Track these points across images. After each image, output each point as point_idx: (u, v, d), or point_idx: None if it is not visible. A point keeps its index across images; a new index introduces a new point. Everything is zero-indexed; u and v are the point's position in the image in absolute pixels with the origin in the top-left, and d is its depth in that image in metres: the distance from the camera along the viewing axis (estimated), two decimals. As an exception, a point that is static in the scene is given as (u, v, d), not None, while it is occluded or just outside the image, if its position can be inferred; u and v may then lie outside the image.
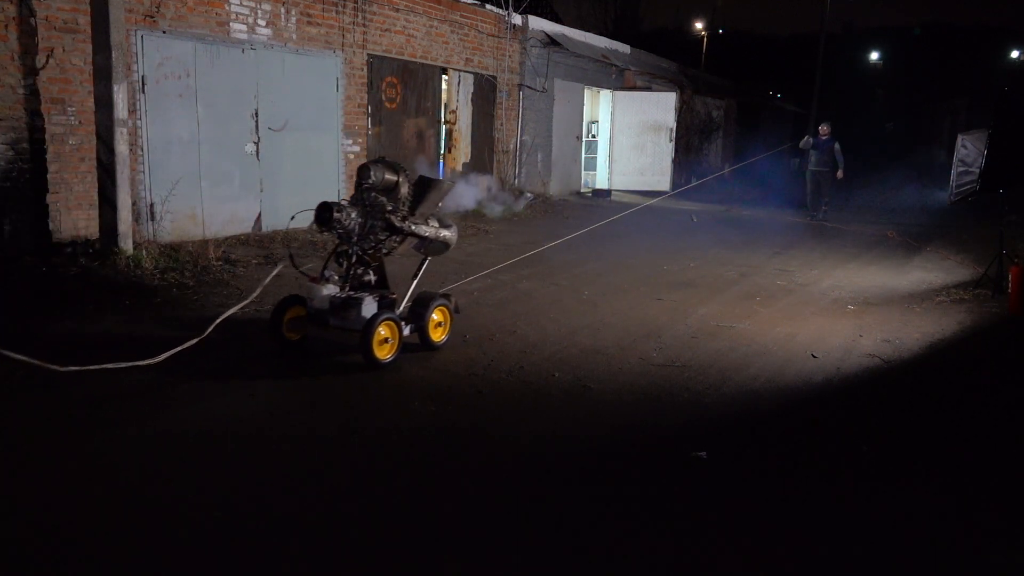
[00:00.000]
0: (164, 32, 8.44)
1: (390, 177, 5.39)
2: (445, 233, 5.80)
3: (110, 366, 4.89)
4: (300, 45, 10.13)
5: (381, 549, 3.19)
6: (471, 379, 5.26)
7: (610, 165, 18.57)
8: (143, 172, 8.45)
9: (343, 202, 5.38)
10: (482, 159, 14.26)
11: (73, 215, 7.85)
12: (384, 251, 5.54)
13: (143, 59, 8.27)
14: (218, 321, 5.55)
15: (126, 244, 7.76)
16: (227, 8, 9.11)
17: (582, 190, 18.08)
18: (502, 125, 14.65)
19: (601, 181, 18.65)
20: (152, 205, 8.53)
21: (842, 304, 8.07)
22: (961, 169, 19.23)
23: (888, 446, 4.49)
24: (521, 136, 15.27)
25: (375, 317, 5.17)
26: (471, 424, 4.53)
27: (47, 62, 7.45)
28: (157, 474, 3.73)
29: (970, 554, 3.37)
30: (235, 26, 9.22)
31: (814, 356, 6.13)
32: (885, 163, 30.55)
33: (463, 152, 13.77)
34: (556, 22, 18.06)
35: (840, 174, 15.18)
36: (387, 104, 11.79)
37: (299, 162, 10.29)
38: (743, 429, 4.67)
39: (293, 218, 5.95)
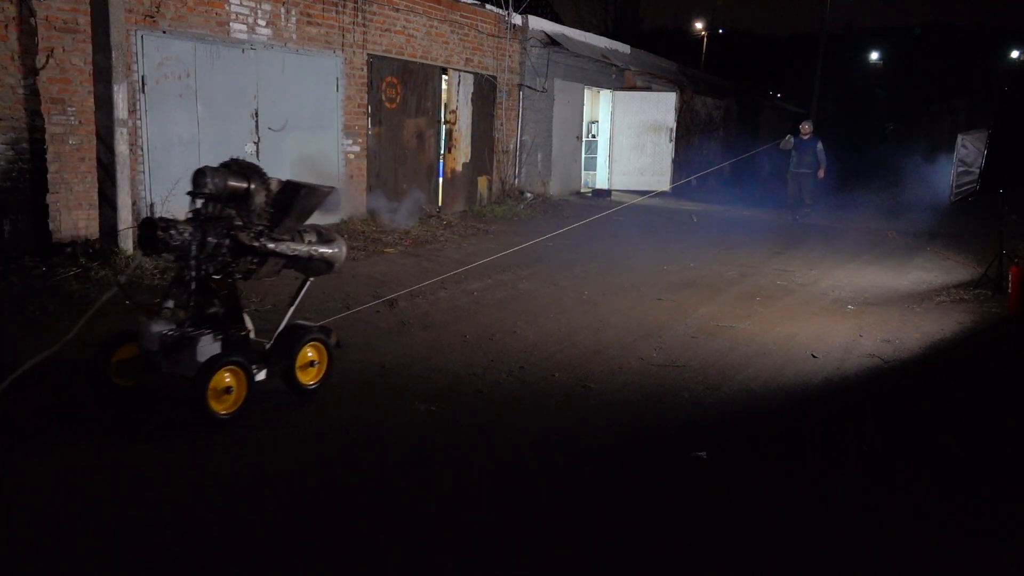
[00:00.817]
0: (164, 32, 8.44)
1: (236, 184, 4.39)
2: (324, 250, 4.82)
3: None
4: (300, 45, 10.13)
5: (382, 550, 3.19)
6: (471, 379, 5.26)
7: (610, 165, 18.56)
8: (143, 172, 8.44)
9: (190, 215, 4.40)
10: (482, 159, 14.26)
11: (73, 215, 7.85)
12: (238, 275, 4.56)
13: (143, 59, 8.27)
14: (18, 373, 4.19)
15: (126, 244, 7.76)
16: (227, 8, 9.10)
17: (582, 190, 18.08)
18: (502, 125, 14.64)
19: (601, 181, 18.64)
20: (152, 205, 8.52)
21: (842, 304, 8.07)
22: (961, 169, 19.20)
23: (888, 446, 4.49)
24: (521, 136, 15.26)
25: (213, 361, 4.20)
26: (471, 424, 4.53)
27: (47, 62, 7.45)
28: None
29: (970, 554, 3.37)
30: (235, 26, 9.22)
31: (814, 356, 6.13)
32: (885, 163, 30.54)
33: (463, 152, 13.76)
34: (556, 22, 18.05)
35: (821, 173, 14.68)
36: (387, 104, 11.78)
37: (299, 162, 10.28)
38: (743, 429, 4.67)
39: (117, 236, 4.89)
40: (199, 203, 4.39)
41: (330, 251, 4.86)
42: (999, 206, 9.03)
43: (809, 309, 7.81)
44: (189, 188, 4.34)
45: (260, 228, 4.47)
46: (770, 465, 4.18)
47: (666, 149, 18.45)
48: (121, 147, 7.68)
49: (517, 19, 14.66)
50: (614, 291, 8.18)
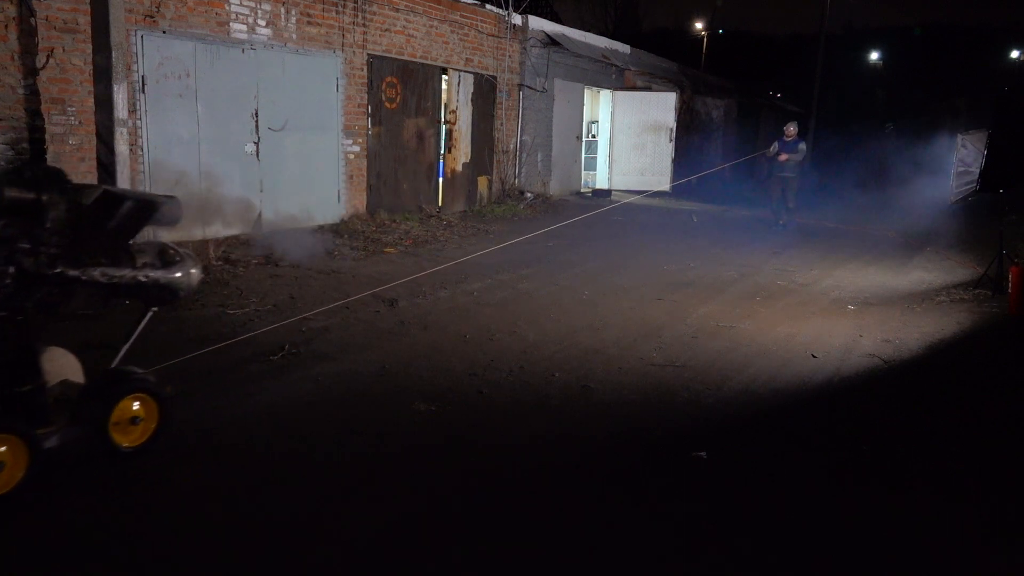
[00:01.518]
0: (164, 32, 8.44)
1: (18, 195, 3.43)
2: (162, 275, 3.86)
3: None
4: (300, 45, 10.13)
5: (381, 550, 3.19)
6: (471, 379, 5.26)
7: (610, 165, 18.57)
8: (143, 172, 8.44)
9: None
10: (482, 159, 14.26)
11: (73, 215, 7.85)
12: (31, 310, 3.57)
13: (143, 59, 8.27)
14: None
15: (126, 244, 7.77)
16: (227, 8, 9.10)
17: (582, 190, 18.08)
18: (502, 125, 14.65)
19: (601, 181, 18.65)
20: (152, 205, 8.53)
21: (842, 304, 8.07)
22: (961, 169, 19.22)
23: (888, 446, 4.49)
24: (521, 136, 15.27)
25: None
26: (471, 424, 4.53)
27: (47, 62, 7.45)
28: None
29: (970, 555, 3.38)
30: (235, 26, 9.22)
31: (814, 356, 6.13)
32: (885, 163, 30.53)
33: (463, 152, 13.76)
34: (556, 22, 18.06)
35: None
36: (387, 104, 11.78)
37: (299, 162, 10.29)
38: (743, 429, 4.67)
39: None
40: None
41: (171, 276, 3.89)
42: (999, 206, 9.03)
43: (809, 309, 7.81)
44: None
45: (55, 251, 3.49)
46: (770, 465, 4.18)
47: (666, 149, 18.45)
48: (121, 147, 7.69)
49: (517, 19, 14.66)
50: (614, 291, 8.18)
